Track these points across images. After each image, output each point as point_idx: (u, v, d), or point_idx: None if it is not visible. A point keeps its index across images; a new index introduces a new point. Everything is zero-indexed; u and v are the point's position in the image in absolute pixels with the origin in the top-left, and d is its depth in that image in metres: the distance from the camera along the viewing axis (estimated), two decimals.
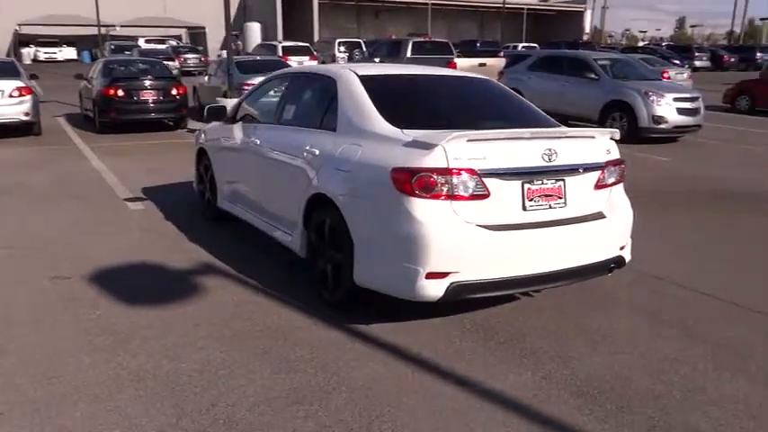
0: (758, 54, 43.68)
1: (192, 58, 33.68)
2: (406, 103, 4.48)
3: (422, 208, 3.56)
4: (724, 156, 11.73)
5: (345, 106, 4.35)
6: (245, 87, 13.86)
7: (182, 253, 5.48)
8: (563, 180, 3.88)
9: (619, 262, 4.19)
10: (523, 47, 37.56)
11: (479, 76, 5.09)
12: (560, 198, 3.88)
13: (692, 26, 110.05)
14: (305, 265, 4.68)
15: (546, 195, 3.82)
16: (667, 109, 12.37)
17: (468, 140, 3.58)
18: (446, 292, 3.58)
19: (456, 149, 3.55)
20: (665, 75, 17.30)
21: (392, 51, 20.27)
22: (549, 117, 4.62)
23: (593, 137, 4.09)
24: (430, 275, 3.55)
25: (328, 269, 4.25)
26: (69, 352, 3.64)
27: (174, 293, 4.56)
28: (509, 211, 3.72)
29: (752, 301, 4.62)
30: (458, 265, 3.57)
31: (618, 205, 4.20)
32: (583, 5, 64.04)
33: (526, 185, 3.75)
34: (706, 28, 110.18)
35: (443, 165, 3.54)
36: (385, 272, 3.78)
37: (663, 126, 12.28)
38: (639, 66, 15.07)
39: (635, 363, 3.66)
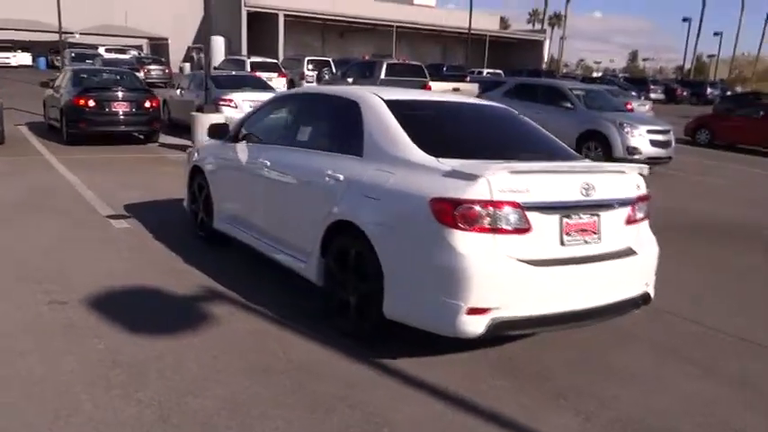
0: (708, 89, 45.51)
1: (156, 70, 32.95)
2: (436, 131, 4.37)
3: (464, 240, 3.43)
4: (695, 188, 12.04)
5: (373, 131, 4.20)
6: (222, 103, 13.64)
7: (179, 276, 5.22)
8: (598, 215, 3.83)
9: (645, 298, 4.15)
10: (488, 72, 38.13)
11: (500, 105, 5.04)
12: (595, 233, 3.82)
13: (644, 59, 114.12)
14: (311, 289, 4.51)
15: (582, 230, 3.76)
16: (641, 140, 12.67)
17: (512, 172, 3.50)
18: (487, 328, 3.44)
19: (500, 181, 3.45)
20: (629, 106, 17.71)
21: (365, 72, 20.15)
22: (571, 150, 4.60)
23: (625, 172, 4.06)
24: (471, 311, 3.42)
25: (351, 300, 4.08)
26: (81, 386, 3.36)
27: (180, 321, 4.30)
28: (548, 246, 3.63)
29: (757, 334, 4.69)
30: (499, 301, 3.45)
31: (645, 241, 4.18)
32: (543, 35, 65.68)
33: (564, 220, 3.68)
34: (657, 62, 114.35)
35: (487, 197, 3.43)
36: (421, 306, 3.63)
37: (636, 157, 12.50)
38: (610, 97, 15.43)
39: (671, 403, 3.60)
